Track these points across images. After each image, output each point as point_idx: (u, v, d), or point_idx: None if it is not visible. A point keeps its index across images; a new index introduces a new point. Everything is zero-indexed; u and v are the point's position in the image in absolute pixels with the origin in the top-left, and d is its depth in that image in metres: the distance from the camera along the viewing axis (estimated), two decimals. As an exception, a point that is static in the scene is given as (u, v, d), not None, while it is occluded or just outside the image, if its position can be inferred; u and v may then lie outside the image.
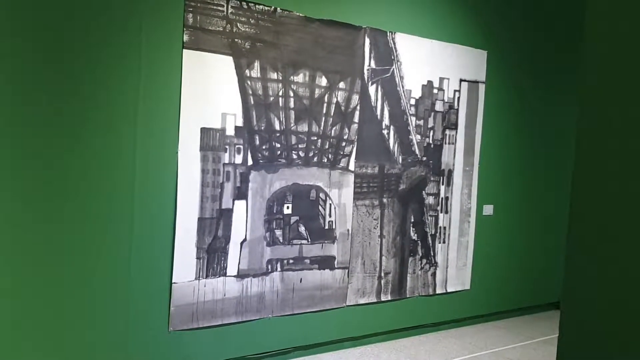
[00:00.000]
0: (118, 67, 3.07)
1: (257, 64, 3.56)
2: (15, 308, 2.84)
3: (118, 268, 3.13)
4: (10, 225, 2.80)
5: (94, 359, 3.08)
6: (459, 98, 4.66)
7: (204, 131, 3.40)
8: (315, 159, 3.87)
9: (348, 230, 4.07)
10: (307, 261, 3.88)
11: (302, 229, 3.85)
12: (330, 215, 3.97)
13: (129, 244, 3.15)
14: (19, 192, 2.82)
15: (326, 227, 3.96)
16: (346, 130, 4.01)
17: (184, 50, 3.27)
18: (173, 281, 3.31)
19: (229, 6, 3.43)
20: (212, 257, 3.47)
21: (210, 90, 3.39)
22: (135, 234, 3.16)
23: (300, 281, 3.85)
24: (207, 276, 3.45)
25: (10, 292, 2.82)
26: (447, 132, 4.62)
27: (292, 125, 3.74)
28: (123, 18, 3.07)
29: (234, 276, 3.56)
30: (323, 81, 3.86)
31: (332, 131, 3.93)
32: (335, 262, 4.02)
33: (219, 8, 3.39)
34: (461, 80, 4.66)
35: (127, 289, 3.16)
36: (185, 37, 3.27)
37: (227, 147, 3.48)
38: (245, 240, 3.59)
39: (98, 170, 3.03)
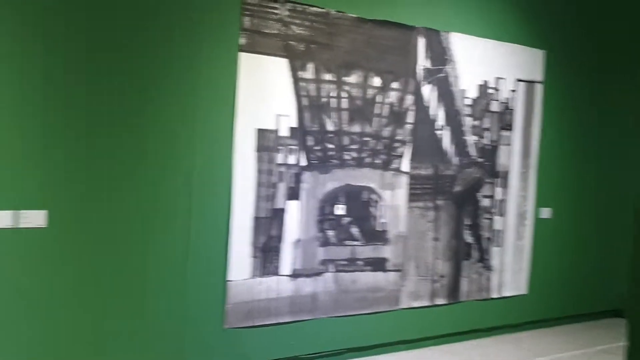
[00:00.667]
0: (177, 69, 3.16)
1: (310, 66, 3.59)
2: (75, 303, 2.95)
3: (175, 265, 3.21)
4: (74, 222, 2.92)
5: (152, 353, 3.16)
6: (515, 98, 4.57)
7: (259, 132, 3.45)
8: (368, 159, 3.86)
9: (401, 232, 4.04)
10: (360, 262, 3.87)
11: (354, 230, 3.84)
12: (382, 217, 3.96)
13: (187, 242, 3.23)
14: (82, 189, 2.93)
15: (379, 229, 3.94)
16: (399, 131, 3.98)
17: (241, 53, 3.33)
18: (228, 279, 3.37)
19: (285, 9, 3.47)
20: (266, 256, 3.51)
21: (265, 92, 3.44)
22: (193, 231, 3.24)
23: (353, 282, 3.85)
24: (261, 275, 3.50)
25: (71, 288, 2.94)
26: (503, 133, 4.53)
27: (345, 126, 3.75)
28: (182, 22, 3.15)
29: (288, 276, 3.59)
30: (376, 81, 3.85)
31: (385, 132, 3.92)
32: (389, 265, 4.00)
33: (275, 11, 3.44)
34: (518, 80, 4.56)
35: (184, 285, 3.24)
36: (242, 40, 3.33)
37: (281, 148, 3.52)
38: (298, 240, 3.62)
39: (157, 169, 3.12)
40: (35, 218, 2.84)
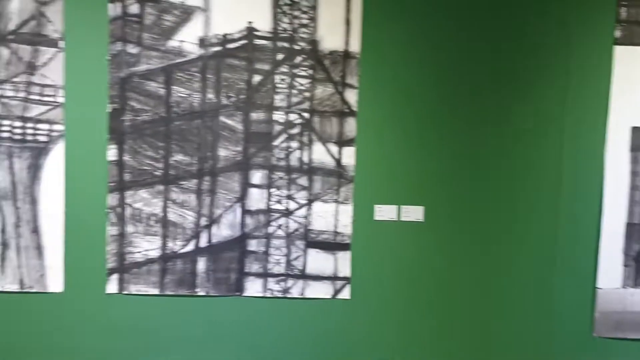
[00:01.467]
0: (548, 67, 3.15)
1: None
2: (442, 295, 3.22)
3: (542, 268, 3.21)
4: (447, 218, 3.19)
5: (516, 353, 3.24)
6: None
7: (634, 130, 3.18)
8: None
9: None
10: None
11: None
12: None
13: (553, 243, 3.20)
14: (454, 189, 3.17)
15: None
16: None
17: (616, 47, 3.12)
18: (598, 286, 3.21)
19: (670, -8, 3.12)
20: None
21: (643, 86, 3.15)
22: (560, 235, 3.19)
23: None
24: (634, 285, 3.23)
25: (441, 280, 3.21)
26: None
27: None
28: (554, 19, 3.12)
29: (668, 289, 3.23)
30: None
31: None
32: None
33: (658, -4, 3.12)
34: None
35: (551, 289, 3.22)
36: (617, 33, 3.12)
37: (662, 147, 3.18)
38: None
39: (523, 170, 3.18)
40: (414, 213, 3.20)
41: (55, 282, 3.11)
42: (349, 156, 3.15)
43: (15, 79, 3.02)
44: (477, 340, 3.25)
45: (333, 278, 3.21)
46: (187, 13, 3.03)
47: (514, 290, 3.23)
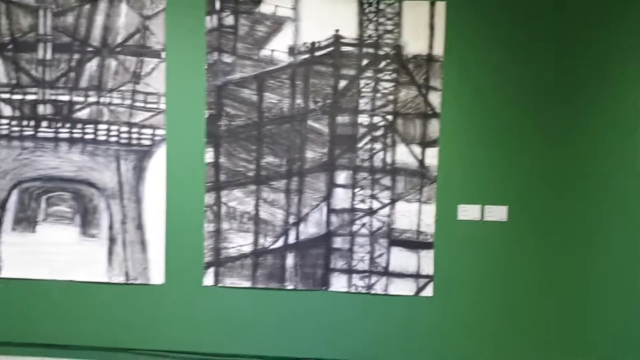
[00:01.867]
0: (627, 70, 3.12)
1: None
2: (525, 296, 3.25)
3: (628, 270, 3.19)
4: (531, 218, 3.22)
5: (601, 356, 3.23)
6: None
7: None
8: None
9: None
10: None
11: None
12: None
13: (636, 247, 3.18)
14: (538, 189, 3.20)
15: None
16: None
17: None
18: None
19: None
20: None
21: None
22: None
23: None
24: None
25: (525, 280, 3.25)
26: None
27: None
28: (633, 25, 3.10)
29: None
30: None
31: None
32: None
33: None
34: None
35: (637, 292, 3.19)
36: None
37: None
38: None
39: (608, 170, 3.16)
40: (498, 212, 3.25)
41: (157, 275, 3.37)
42: (432, 157, 3.24)
43: (122, 88, 3.30)
44: (560, 341, 3.26)
45: (416, 276, 3.31)
46: (278, 23, 3.22)
47: (598, 291, 3.22)
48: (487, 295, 3.28)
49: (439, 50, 3.19)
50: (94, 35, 3.29)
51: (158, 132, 3.31)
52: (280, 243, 3.34)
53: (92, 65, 3.30)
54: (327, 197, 3.30)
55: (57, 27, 3.29)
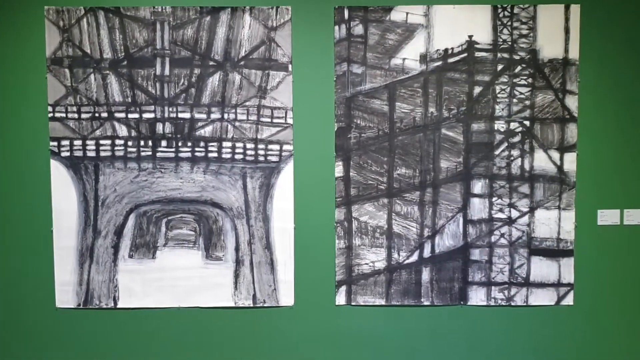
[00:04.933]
0: None
1: None
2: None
3: None
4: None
5: None
6: None
7: None
8: None
9: None
10: None
11: None
12: None
13: None
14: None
15: None
16: None
17: None
18: None
19: None
20: None
21: None
22: None
23: None
24: None
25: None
26: None
27: None
28: None
29: None
30: None
31: None
32: None
33: None
34: None
35: None
36: None
37: None
38: None
39: None
40: (638, 216, 3.18)
41: (286, 296, 3.22)
42: (570, 162, 3.17)
43: (247, 103, 3.17)
44: None
45: (557, 285, 3.21)
46: (409, 31, 3.13)
47: None
48: (629, 302, 3.21)
49: (574, 53, 3.13)
50: (216, 48, 3.15)
51: (285, 147, 3.18)
52: (414, 257, 3.22)
53: (214, 80, 3.16)
54: (463, 208, 3.20)
55: (176, 41, 3.14)
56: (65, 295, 3.20)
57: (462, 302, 3.22)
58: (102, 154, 3.16)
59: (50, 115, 3.14)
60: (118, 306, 3.21)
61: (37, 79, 3.13)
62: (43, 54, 3.12)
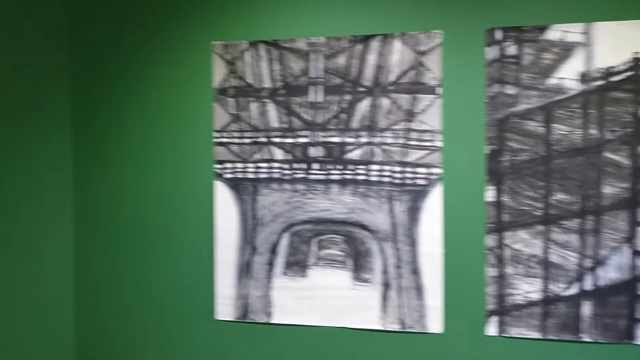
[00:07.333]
0: None
1: None
2: None
3: None
4: None
5: None
6: None
7: None
8: None
9: None
10: None
11: None
12: None
13: None
14: None
15: None
16: None
17: None
18: None
19: None
20: None
21: None
22: None
23: None
24: None
25: None
26: None
27: None
28: None
29: None
30: None
31: None
32: None
33: None
34: None
35: None
36: None
37: None
38: None
39: None
40: None
41: (435, 323, 3.16)
42: None
43: (395, 127, 3.21)
44: None
45: None
46: (567, 49, 2.99)
47: None
48: None
49: None
50: (366, 74, 3.25)
51: (433, 170, 3.16)
52: (574, 289, 3.01)
53: (363, 106, 3.25)
54: (630, 238, 2.94)
55: (329, 70, 3.29)
56: (226, 308, 3.43)
57: (628, 341, 2.94)
58: (261, 175, 3.38)
59: (215, 140, 3.43)
60: (271, 321, 3.37)
61: (205, 107, 3.44)
62: (210, 85, 3.43)
